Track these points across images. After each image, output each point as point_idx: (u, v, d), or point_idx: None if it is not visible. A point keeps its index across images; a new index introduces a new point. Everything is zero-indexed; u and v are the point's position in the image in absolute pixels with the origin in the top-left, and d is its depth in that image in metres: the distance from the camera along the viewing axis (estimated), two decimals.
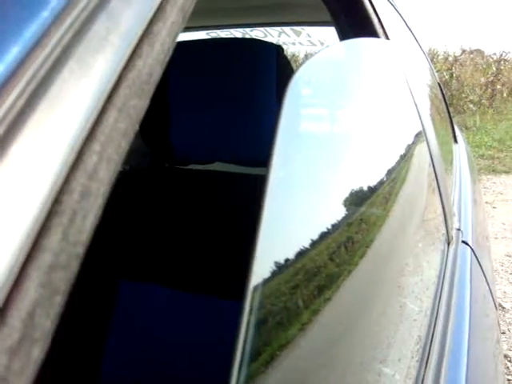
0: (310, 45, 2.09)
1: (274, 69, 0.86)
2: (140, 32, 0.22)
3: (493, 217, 3.77)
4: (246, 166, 0.88)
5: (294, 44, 2.08)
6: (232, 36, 1.88)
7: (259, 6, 1.50)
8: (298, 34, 1.94)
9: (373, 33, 0.80)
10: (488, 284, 0.88)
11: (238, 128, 0.86)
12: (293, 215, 0.35)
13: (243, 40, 1.22)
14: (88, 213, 0.17)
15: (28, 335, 0.14)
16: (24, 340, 0.14)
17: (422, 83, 1.15)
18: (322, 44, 2.11)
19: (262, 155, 0.84)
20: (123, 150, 0.19)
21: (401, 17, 1.33)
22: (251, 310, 0.27)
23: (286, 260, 0.32)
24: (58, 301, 0.15)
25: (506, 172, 5.21)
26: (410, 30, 1.44)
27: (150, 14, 0.24)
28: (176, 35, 0.26)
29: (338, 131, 0.52)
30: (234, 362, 0.25)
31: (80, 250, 0.16)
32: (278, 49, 0.88)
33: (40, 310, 0.14)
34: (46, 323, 0.15)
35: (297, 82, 0.37)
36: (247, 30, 1.93)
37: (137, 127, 0.21)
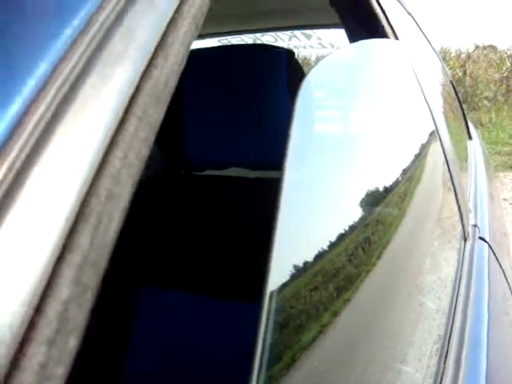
0: (321, 47, 2.10)
1: (285, 73, 0.87)
2: (155, 44, 0.24)
3: (511, 213, 3.73)
4: (261, 171, 0.89)
5: (304, 47, 2.09)
6: (243, 42, 1.90)
7: (269, 11, 1.51)
8: (309, 37, 1.96)
9: (382, 33, 0.81)
10: (507, 280, 0.87)
11: (252, 133, 0.87)
12: (309, 217, 0.36)
13: (253, 46, 1.24)
14: (113, 215, 0.18)
15: (63, 327, 0.15)
16: (60, 331, 0.15)
17: (434, 82, 1.15)
18: (332, 46, 2.12)
19: (275, 159, 0.85)
20: (144, 156, 0.20)
21: (410, 16, 1.33)
22: (269, 312, 0.27)
23: (304, 262, 0.32)
24: (89, 296, 0.16)
25: None
26: (419, 28, 1.44)
27: (164, 27, 0.25)
28: (189, 44, 0.27)
29: (351, 132, 0.53)
30: (253, 365, 0.25)
31: (107, 249, 0.18)
32: (288, 53, 0.90)
33: (73, 304, 0.16)
34: (79, 316, 0.16)
35: (308, 84, 0.37)
36: (258, 35, 1.94)
37: (155, 134, 0.22)
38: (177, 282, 0.86)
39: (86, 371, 0.80)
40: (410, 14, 1.34)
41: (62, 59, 0.18)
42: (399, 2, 1.17)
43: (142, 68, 0.22)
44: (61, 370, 0.15)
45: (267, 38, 1.96)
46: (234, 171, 0.93)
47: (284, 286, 0.30)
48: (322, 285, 0.36)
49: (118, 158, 0.19)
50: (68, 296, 0.16)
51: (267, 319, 0.27)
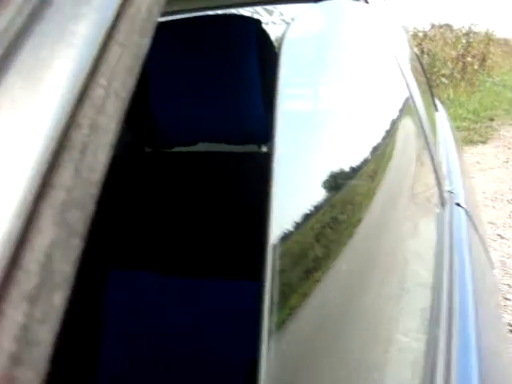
0: (283, 23, 2.07)
1: (254, 43, 0.85)
2: None
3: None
4: (231, 144, 0.87)
5: (267, 24, 2.05)
6: None
7: None
8: (271, 13, 1.92)
9: None
10: (483, 243, 0.88)
11: (221, 105, 0.84)
12: (296, 191, 0.35)
13: (221, 16, 1.20)
14: (99, 148, 0.15)
15: (47, 280, 0.12)
16: (43, 285, 0.12)
17: (404, 50, 1.14)
18: None
19: (245, 132, 0.83)
20: (130, 87, 0.17)
21: None
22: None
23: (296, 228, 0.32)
24: (76, 243, 0.13)
25: (483, 142, 5.27)
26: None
27: None
28: None
29: (333, 102, 0.51)
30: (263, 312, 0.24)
31: (94, 189, 0.15)
32: (256, 23, 0.87)
33: (57, 252, 0.13)
34: (66, 267, 0.13)
35: (286, 54, 0.36)
36: (219, 12, 1.89)
37: (140, 66, 0.19)
38: (151, 263, 0.83)
39: (57, 358, 0.76)
40: None
41: None
42: None
43: None
44: (46, 334, 0.12)
45: None
46: (201, 146, 0.90)
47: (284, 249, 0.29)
48: (305, 261, 0.35)
49: (102, 87, 0.16)
50: (51, 241, 0.12)
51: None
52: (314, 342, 0.34)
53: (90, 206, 0.14)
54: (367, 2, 0.82)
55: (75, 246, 0.13)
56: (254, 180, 0.83)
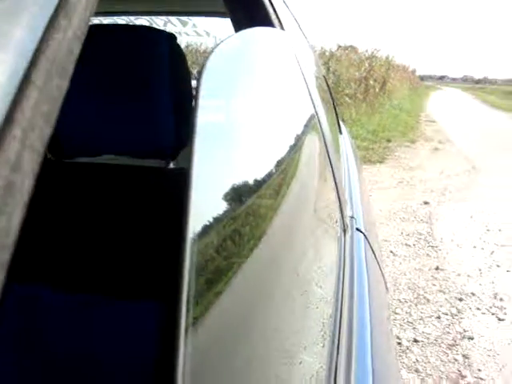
0: (196, 35, 2.06)
1: (167, 57, 0.83)
2: (56, 2, 0.19)
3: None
4: (136, 158, 0.85)
5: (180, 34, 2.03)
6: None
7: None
8: (185, 24, 1.91)
9: (268, 23, 0.80)
10: (380, 267, 0.92)
11: (129, 119, 0.82)
12: (209, 206, 0.36)
13: (134, 27, 1.18)
14: (13, 211, 0.14)
15: None
16: None
17: (313, 74, 1.18)
18: (208, 34, 2.10)
19: (152, 147, 0.82)
20: (46, 138, 0.16)
21: (288, 9, 1.35)
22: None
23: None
24: None
25: (380, 162, 5.56)
26: (296, 22, 1.47)
27: None
28: (92, 9, 0.23)
29: (242, 122, 0.52)
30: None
31: (5, 256, 0.14)
32: (170, 37, 0.86)
33: None
34: None
35: (206, 75, 0.37)
36: (131, 18, 1.85)
37: (57, 110, 0.18)
38: (46, 277, 0.79)
39: None
40: (288, 7, 1.36)
41: None
42: None
43: (43, 28, 0.18)
44: None
45: (141, 22, 1.88)
46: (105, 159, 0.87)
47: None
48: (209, 274, 0.35)
49: (17, 139, 0.15)
50: None
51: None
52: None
53: (1, 275, 0.13)
54: (283, 29, 0.84)
55: None
56: (156, 195, 0.82)
